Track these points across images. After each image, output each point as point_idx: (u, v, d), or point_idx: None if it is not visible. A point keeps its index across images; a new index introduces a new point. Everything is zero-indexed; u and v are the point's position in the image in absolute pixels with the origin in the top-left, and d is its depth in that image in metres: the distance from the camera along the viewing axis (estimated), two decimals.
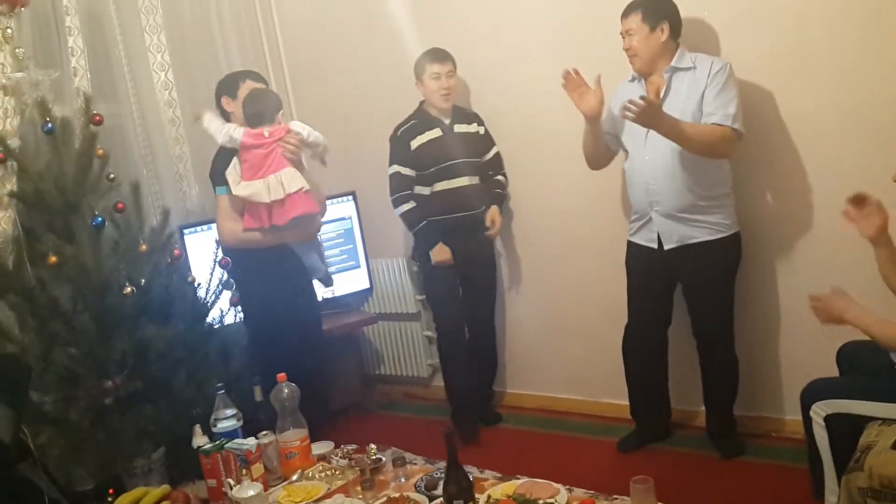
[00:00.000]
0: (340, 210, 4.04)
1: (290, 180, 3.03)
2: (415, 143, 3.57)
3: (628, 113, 2.70)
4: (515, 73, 3.66)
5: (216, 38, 4.09)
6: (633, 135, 3.02)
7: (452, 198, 3.58)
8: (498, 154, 3.75)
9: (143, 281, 2.98)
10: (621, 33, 2.96)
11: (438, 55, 3.57)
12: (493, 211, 3.65)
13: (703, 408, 3.25)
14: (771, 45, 2.97)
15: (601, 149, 3.17)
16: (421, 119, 3.62)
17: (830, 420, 2.22)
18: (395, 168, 3.61)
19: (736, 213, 3.02)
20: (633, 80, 3.07)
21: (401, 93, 3.64)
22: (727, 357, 3.11)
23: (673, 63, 2.93)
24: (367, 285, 4.15)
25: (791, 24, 2.92)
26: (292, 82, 4.44)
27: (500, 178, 3.73)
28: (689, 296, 3.11)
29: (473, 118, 3.71)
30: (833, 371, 2.49)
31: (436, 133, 3.58)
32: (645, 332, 3.21)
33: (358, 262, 4.10)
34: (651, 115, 2.71)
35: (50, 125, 2.86)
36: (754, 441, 3.16)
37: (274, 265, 3.17)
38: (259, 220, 3.07)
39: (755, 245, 3.12)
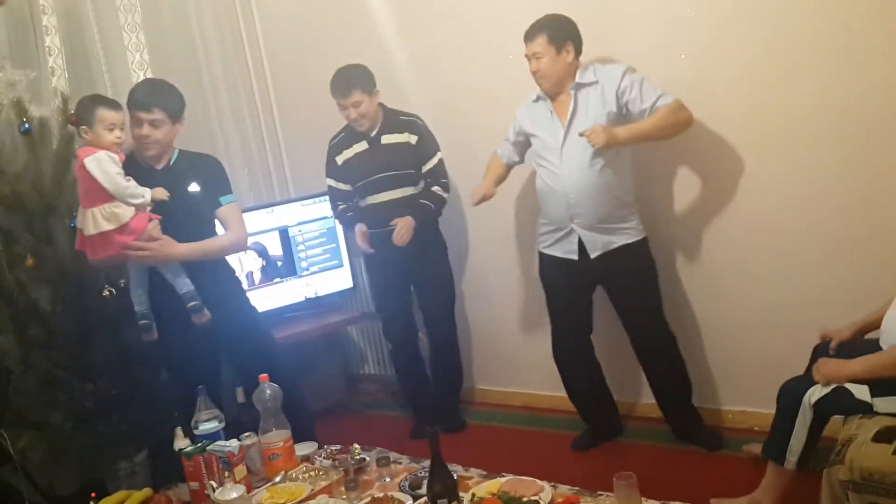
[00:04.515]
0: (323, 210, 4.02)
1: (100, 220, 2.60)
2: (340, 159, 3.48)
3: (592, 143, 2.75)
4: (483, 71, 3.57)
5: (195, 37, 4.07)
6: (547, 151, 3.00)
7: (384, 211, 3.41)
8: (439, 163, 3.47)
9: (123, 283, 2.96)
10: (526, 55, 2.95)
11: (338, 88, 3.34)
12: (403, 221, 3.37)
13: (645, 399, 3.32)
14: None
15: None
16: (349, 132, 3.47)
17: (819, 404, 2.23)
18: (328, 181, 3.56)
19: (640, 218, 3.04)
20: (536, 100, 3.05)
21: (381, 88, 3.58)
22: (671, 355, 3.10)
23: (577, 80, 2.93)
24: (350, 284, 4.13)
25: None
26: (272, 80, 4.42)
27: (435, 188, 3.44)
28: (618, 301, 3.10)
29: (405, 126, 3.44)
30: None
31: (362, 146, 3.43)
32: (572, 341, 3.22)
33: (341, 262, 4.08)
34: (607, 137, 2.73)
35: (27, 125, 2.84)
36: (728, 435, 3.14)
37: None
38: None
39: (729, 246, 3.11)
